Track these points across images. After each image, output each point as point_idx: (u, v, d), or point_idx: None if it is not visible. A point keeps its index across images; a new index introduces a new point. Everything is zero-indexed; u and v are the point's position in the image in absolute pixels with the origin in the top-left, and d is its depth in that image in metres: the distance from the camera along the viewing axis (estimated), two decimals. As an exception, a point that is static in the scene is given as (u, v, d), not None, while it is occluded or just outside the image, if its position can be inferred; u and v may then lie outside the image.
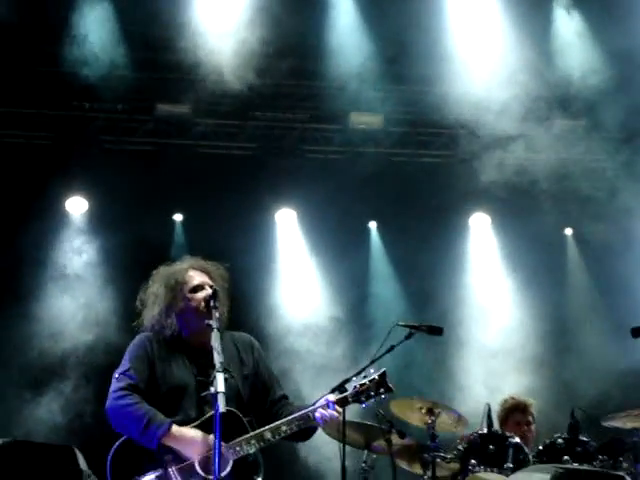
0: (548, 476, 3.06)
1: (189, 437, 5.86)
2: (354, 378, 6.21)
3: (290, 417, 6.02)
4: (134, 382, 5.99)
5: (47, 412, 11.67)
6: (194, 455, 5.84)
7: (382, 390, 6.11)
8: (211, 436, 5.65)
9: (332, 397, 6.08)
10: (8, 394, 11.62)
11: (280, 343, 12.43)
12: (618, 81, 11.79)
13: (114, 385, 6.01)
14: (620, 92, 11.71)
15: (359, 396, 6.10)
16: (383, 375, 6.14)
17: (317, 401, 6.19)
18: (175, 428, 5.86)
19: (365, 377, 6.16)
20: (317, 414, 6.00)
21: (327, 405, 6.02)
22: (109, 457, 5.92)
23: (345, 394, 6.11)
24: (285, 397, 6.38)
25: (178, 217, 13.22)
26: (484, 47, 11.97)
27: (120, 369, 6.08)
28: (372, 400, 6.13)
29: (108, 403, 5.98)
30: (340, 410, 6.07)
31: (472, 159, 12.62)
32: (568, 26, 12.19)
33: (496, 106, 11.64)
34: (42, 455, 4.83)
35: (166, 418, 5.89)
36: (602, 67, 11.79)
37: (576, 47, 12.05)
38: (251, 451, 5.90)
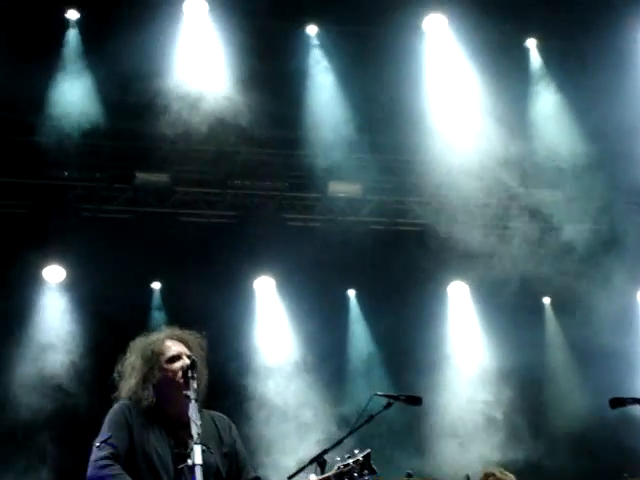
0: None
1: None
2: (338, 459, 6.03)
3: None
4: (115, 451, 5.85)
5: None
6: None
7: (366, 472, 5.89)
8: None
9: (314, 478, 5.93)
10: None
11: (258, 409, 12.36)
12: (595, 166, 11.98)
13: (95, 454, 5.86)
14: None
15: (342, 477, 5.90)
16: (368, 456, 5.92)
17: (292, 478, 6.12)
18: None
19: (349, 457, 5.94)
20: None
21: None
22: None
23: (328, 475, 5.93)
24: (258, 478, 6.28)
25: (156, 285, 13.19)
26: (461, 119, 12.13)
27: (100, 437, 5.94)
28: None
29: (89, 472, 5.82)
30: None
31: (448, 232, 12.70)
32: (546, 105, 12.38)
33: (468, 190, 11.81)
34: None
35: None
36: (580, 150, 11.98)
37: (553, 127, 12.20)
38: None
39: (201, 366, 6.18)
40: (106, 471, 5.82)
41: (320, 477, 5.95)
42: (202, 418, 5.84)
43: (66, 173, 12.59)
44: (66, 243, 12.33)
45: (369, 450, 5.97)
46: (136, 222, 13.00)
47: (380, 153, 12.90)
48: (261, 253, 13.04)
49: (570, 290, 12.33)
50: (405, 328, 12.74)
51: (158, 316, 12.76)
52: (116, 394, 6.20)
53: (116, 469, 5.84)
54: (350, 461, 5.93)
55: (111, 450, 5.88)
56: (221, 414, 6.41)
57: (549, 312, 13.89)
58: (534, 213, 12.66)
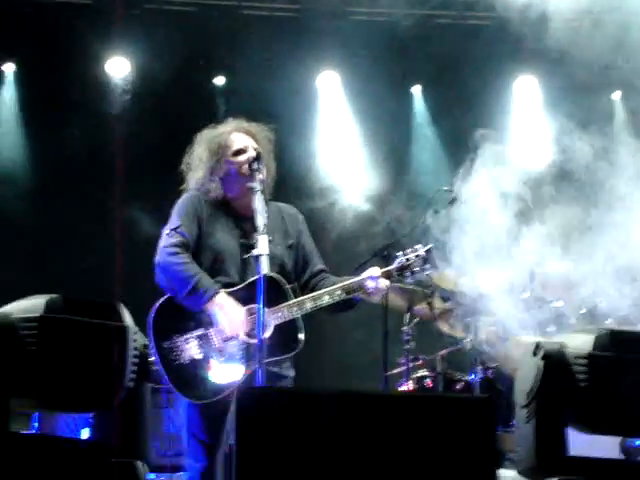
0: (592, 336, 3.06)
1: (232, 310, 5.86)
2: (399, 253, 6.18)
3: (332, 287, 6.02)
4: (185, 240, 5.98)
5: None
6: (227, 329, 5.85)
7: (427, 266, 6.13)
8: (252, 316, 5.78)
9: (376, 271, 6.07)
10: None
11: (321, 206, 12.40)
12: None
13: (166, 240, 5.98)
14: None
15: (403, 271, 6.12)
16: (429, 251, 6.13)
17: (358, 270, 6.22)
18: (221, 296, 5.87)
19: (411, 251, 6.15)
20: (367, 283, 6.00)
21: (372, 279, 6.01)
22: (151, 314, 5.93)
23: (390, 268, 6.12)
24: (324, 270, 6.37)
25: (220, 80, 13.10)
26: None
27: (171, 225, 6.05)
28: (416, 276, 6.16)
29: (159, 258, 5.95)
30: (388, 283, 6.09)
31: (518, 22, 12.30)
32: None
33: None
34: (87, 312, 4.84)
35: (214, 283, 5.89)
36: None
37: None
38: (292, 317, 5.92)
39: (268, 159, 6.21)
40: (175, 259, 5.92)
41: (382, 270, 6.08)
42: (268, 210, 5.89)
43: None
44: (129, 36, 12.22)
45: (431, 245, 6.16)
46: (199, 15, 12.77)
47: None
48: (325, 48, 12.81)
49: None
50: (471, 125, 12.54)
51: (221, 110, 12.69)
52: (184, 185, 6.26)
53: (186, 257, 5.95)
54: (412, 255, 6.11)
55: (181, 238, 5.99)
56: (290, 206, 6.46)
57: (619, 107, 13.56)
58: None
